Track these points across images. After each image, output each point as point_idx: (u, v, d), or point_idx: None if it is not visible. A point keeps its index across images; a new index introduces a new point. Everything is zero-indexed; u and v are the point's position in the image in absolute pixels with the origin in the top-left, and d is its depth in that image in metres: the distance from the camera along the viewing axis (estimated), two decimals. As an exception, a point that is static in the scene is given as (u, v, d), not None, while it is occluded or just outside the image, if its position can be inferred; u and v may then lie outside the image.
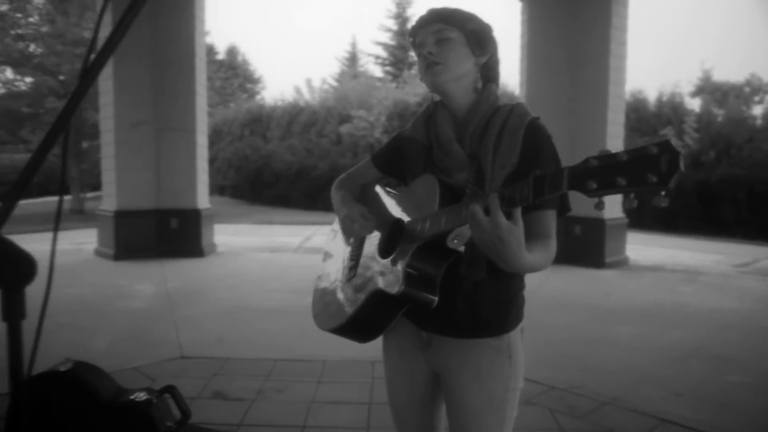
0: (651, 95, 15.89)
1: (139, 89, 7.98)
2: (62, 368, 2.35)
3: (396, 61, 32.30)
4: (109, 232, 7.98)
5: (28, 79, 14.15)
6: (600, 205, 1.05)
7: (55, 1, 14.15)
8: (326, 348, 4.05)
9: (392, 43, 33.17)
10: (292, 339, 4.45)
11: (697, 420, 3.14)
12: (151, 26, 7.96)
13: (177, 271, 7.19)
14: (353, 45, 40.15)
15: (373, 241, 1.60)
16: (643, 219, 12.68)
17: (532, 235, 1.37)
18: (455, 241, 1.34)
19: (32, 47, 13.76)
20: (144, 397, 2.36)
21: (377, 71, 34.03)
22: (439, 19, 1.49)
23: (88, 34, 13.41)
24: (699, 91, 24.49)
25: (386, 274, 1.45)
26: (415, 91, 19.70)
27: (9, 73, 14.75)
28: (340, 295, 1.62)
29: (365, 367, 3.88)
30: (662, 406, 3.33)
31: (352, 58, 39.78)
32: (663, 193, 0.97)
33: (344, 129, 17.93)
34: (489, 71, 1.54)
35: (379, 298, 1.45)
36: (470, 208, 1.20)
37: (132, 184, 8.04)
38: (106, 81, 8.13)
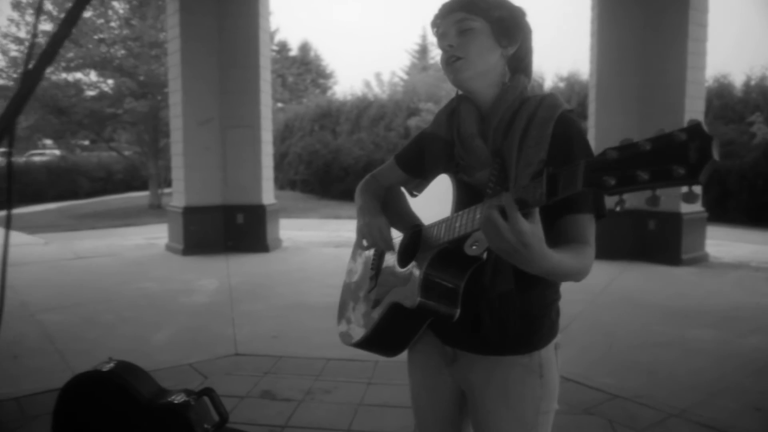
0: (738, 79, 14.90)
1: (205, 88, 8.17)
2: (105, 368, 2.39)
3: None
4: (178, 228, 8.23)
5: (110, 81, 14.82)
6: (621, 204, 0.92)
7: (134, 6, 14.75)
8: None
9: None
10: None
11: (776, 438, 2.86)
12: (218, 26, 8.14)
13: (241, 267, 7.32)
14: (423, 37, 39.86)
15: (392, 254, 1.50)
16: (726, 212, 11.92)
17: (567, 240, 1.24)
18: (474, 247, 1.22)
19: (113, 50, 14.39)
20: (182, 399, 2.37)
21: (447, 63, 33.62)
22: (462, 7, 1.35)
23: (163, 36, 13.94)
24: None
25: (404, 285, 1.35)
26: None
27: (93, 76, 15.53)
28: (361, 308, 1.53)
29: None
30: (737, 422, 3.06)
31: (423, 50, 39.60)
32: (693, 188, 0.82)
33: (412, 122, 17.82)
34: (518, 62, 1.40)
35: (397, 311, 1.36)
36: (485, 213, 1.07)
37: (199, 181, 8.26)
38: (174, 80, 8.38)
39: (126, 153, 17.86)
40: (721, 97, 14.18)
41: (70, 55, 13.98)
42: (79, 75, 14.95)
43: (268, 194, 8.69)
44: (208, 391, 2.45)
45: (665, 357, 4.08)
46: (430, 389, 1.53)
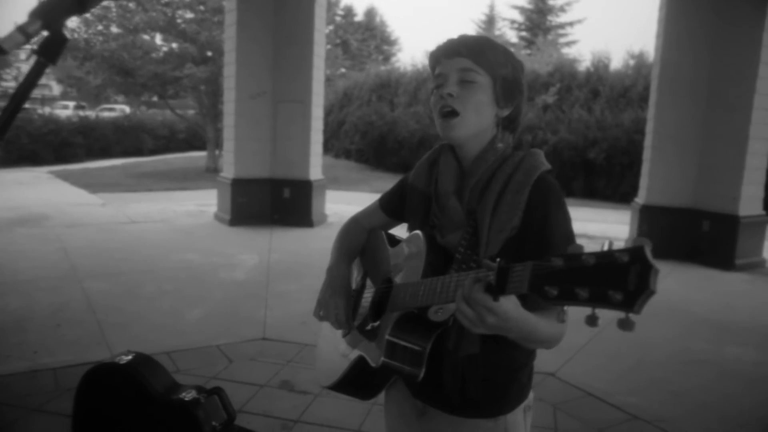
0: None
1: (259, 62, 8.25)
2: (122, 361, 2.50)
3: (532, 26, 30.91)
4: (227, 199, 8.43)
5: (174, 45, 15.13)
6: (561, 317, 0.88)
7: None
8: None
9: (530, 6, 31.66)
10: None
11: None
12: (275, 1, 8.16)
13: (283, 242, 7.46)
14: (491, 7, 38.89)
15: (368, 297, 1.49)
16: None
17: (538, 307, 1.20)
18: (438, 313, 1.21)
19: (178, 14, 14.67)
20: (193, 397, 2.45)
21: (513, 36, 32.79)
22: (470, 54, 1.29)
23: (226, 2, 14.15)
24: None
25: (371, 340, 1.35)
26: (548, 59, 18.77)
27: (158, 39, 15.89)
28: (335, 352, 1.54)
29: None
30: (759, 458, 2.95)
31: (489, 21, 38.61)
32: (627, 315, 0.78)
33: (469, 98, 17.50)
34: (509, 122, 1.35)
35: (363, 365, 1.36)
36: (476, 302, 0.99)
37: (249, 154, 8.40)
38: (230, 53, 8.49)
39: (190, 112, 18.27)
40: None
41: (137, 19, 14.32)
42: (146, 37, 15.34)
43: (315, 170, 8.77)
44: (218, 390, 2.53)
45: (697, 377, 3.94)
46: (404, 432, 1.53)
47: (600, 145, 14.26)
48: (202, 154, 18.17)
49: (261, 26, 8.17)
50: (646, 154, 7.90)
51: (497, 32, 35.34)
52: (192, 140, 23.24)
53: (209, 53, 14.26)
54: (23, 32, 0.72)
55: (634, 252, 0.78)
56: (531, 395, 1.41)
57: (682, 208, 7.41)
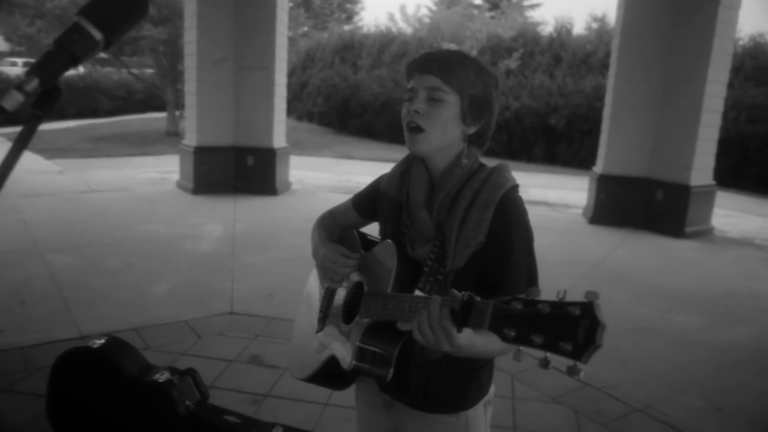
0: (775, 39, 14.27)
1: (220, 28, 8.08)
2: (95, 345, 2.55)
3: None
4: (189, 167, 8.35)
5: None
6: (518, 355, 0.98)
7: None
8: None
9: (495, -34, 31.34)
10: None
11: (730, 444, 3.00)
12: (235, -37, 7.97)
13: (248, 211, 7.46)
14: (455, -34, 38.28)
15: (340, 297, 1.58)
16: (744, 179, 11.77)
17: None
18: (406, 324, 1.31)
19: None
20: (166, 378, 2.53)
21: (477, -4, 32.50)
22: (440, 73, 1.33)
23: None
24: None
25: (343, 342, 1.44)
26: (511, 24, 18.77)
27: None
28: (309, 348, 1.63)
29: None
30: (697, 422, 3.20)
31: (453, -19, 38.11)
32: (575, 363, 0.88)
33: (433, 62, 17.46)
34: (477, 138, 1.41)
35: (334, 364, 1.45)
36: (440, 329, 1.09)
37: (211, 121, 8.30)
38: (190, 18, 8.29)
39: (147, 71, 17.74)
40: (754, 58, 13.67)
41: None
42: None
43: (279, 137, 8.73)
44: (190, 371, 2.61)
45: (645, 345, 4.19)
46: (373, 424, 1.64)
47: (561, 111, 14.49)
48: (161, 115, 17.74)
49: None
50: (605, 125, 8.09)
51: (462, -8, 34.99)
52: (150, 101, 22.61)
53: (166, 13, 13.83)
54: (22, 91, 0.77)
55: (584, 307, 0.87)
56: (491, 390, 1.52)
57: (637, 178, 7.67)
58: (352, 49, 21.34)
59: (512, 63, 16.21)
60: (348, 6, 42.63)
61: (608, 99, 8.13)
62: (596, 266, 5.92)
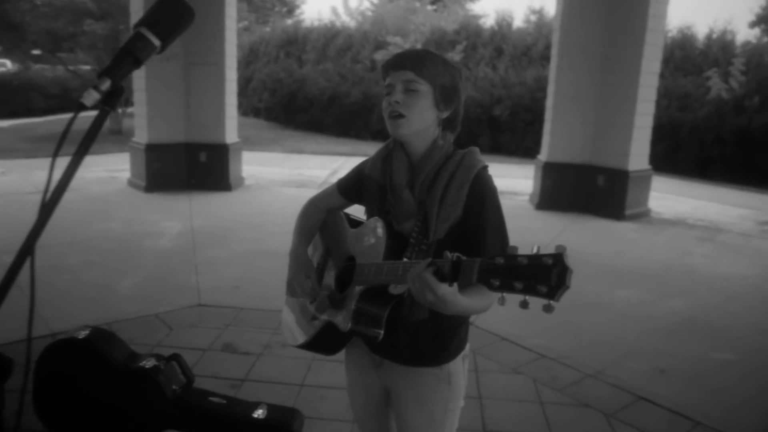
0: (701, 31, 15.17)
1: (168, 23, 8.02)
2: (80, 335, 2.62)
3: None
4: (141, 165, 8.27)
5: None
6: (502, 301, 1.18)
7: None
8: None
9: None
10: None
11: (672, 400, 3.31)
12: (181, -43, 7.91)
13: (203, 207, 7.49)
14: (396, -41, 38.48)
15: (332, 270, 1.75)
16: (677, 164, 12.45)
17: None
18: (397, 288, 1.50)
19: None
20: (153, 364, 2.63)
21: (419, -11, 32.81)
22: (413, 67, 1.53)
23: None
24: (759, 21, 23.22)
25: (338, 308, 1.62)
26: (454, 17, 19.14)
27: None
28: (303, 317, 1.79)
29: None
30: (642, 383, 3.51)
31: (395, -26, 38.32)
32: (551, 302, 1.09)
33: (379, 56, 17.63)
34: (450, 123, 1.61)
35: (331, 329, 1.63)
36: (417, 277, 1.28)
37: (162, 118, 8.25)
38: (137, 13, 8.18)
39: (83, 68, 17.22)
40: (683, 49, 14.45)
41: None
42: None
43: (231, 133, 8.74)
44: (176, 357, 2.72)
45: (593, 318, 4.51)
46: (362, 385, 1.83)
47: (504, 102, 14.93)
48: (102, 113, 17.24)
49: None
50: (548, 114, 8.47)
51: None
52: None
53: (106, 8, 13.51)
54: (98, 90, 0.92)
55: (555, 257, 1.08)
56: (467, 346, 1.73)
57: (579, 165, 8.07)
58: (297, 43, 21.30)
59: (456, 56, 16.55)
60: (289, -1, 42.29)
61: (550, 90, 8.51)
62: (545, 248, 6.21)
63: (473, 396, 3.27)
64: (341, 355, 3.65)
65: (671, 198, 9.57)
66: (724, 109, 12.40)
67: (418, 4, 24.01)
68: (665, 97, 12.20)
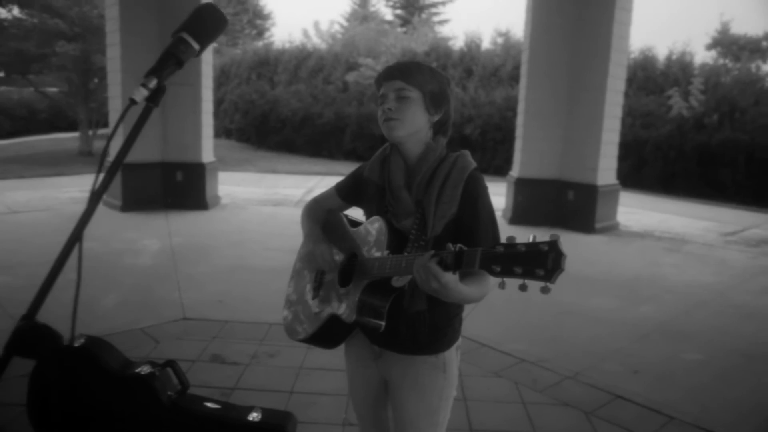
0: (661, 53, 15.76)
1: (145, 43, 8.06)
2: (76, 343, 2.66)
3: (407, 5, 31.68)
4: (116, 184, 8.23)
5: (35, 20, 14.12)
6: (502, 285, 1.30)
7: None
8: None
9: (404, -16, 32.39)
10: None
11: (646, 397, 3.47)
12: (157, -21, 8.03)
13: (181, 226, 7.51)
14: (364, -17, 39.11)
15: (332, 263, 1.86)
16: (642, 180, 12.86)
17: (471, 274, 1.62)
18: (399, 280, 1.62)
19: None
20: (148, 371, 2.68)
21: (388, 14, 33.43)
22: (402, 77, 1.68)
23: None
24: (715, 44, 24.15)
25: (342, 302, 1.72)
26: (424, 38, 19.54)
27: (16, 12, 14.73)
28: (306, 311, 1.90)
29: (352, 334, 4.23)
30: (619, 383, 3.66)
31: (364, -1, 38.94)
32: (548, 284, 1.22)
33: (350, 77, 17.89)
34: (440, 126, 1.76)
35: (335, 321, 1.74)
36: (423, 267, 1.40)
37: (139, 138, 8.16)
38: (113, 33, 8.25)
39: (51, 89, 17.08)
40: (644, 69, 15.00)
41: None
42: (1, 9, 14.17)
43: (207, 152, 8.80)
44: (170, 363, 2.78)
45: (569, 324, 4.68)
46: (362, 376, 1.93)
47: (475, 121, 15.26)
48: (70, 135, 17.14)
49: (145, 5, 8.02)
50: (519, 132, 8.73)
51: (372, 8, 35.84)
52: (55, 120, 21.72)
53: (78, 30, 13.48)
54: (146, 87, 1.03)
55: (551, 244, 1.21)
56: (460, 338, 1.86)
57: (550, 180, 8.33)
58: (268, 64, 21.46)
59: (427, 77, 16.88)
60: (258, 22, 42.53)
61: (520, 108, 8.78)
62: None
63: (458, 398, 3.37)
64: (328, 361, 3.82)
65: (638, 212, 9.89)
66: (685, 126, 12.88)
67: (388, 27, 24.45)
68: (629, 116, 12.63)
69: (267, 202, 9.69)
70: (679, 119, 13.04)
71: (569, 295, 5.34)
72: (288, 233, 7.56)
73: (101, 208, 8.34)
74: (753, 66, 15.71)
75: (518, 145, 8.73)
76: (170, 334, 4.15)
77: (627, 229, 8.54)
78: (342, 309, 1.71)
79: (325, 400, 3.35)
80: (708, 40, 22.49)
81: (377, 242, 1.68)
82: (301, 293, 1.97)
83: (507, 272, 1.26)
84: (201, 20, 1.12)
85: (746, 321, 4.94)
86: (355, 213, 1.97)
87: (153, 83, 1.06)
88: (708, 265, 6.79)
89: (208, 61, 8.62)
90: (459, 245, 1.38)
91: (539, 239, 1.26)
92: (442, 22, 31.91)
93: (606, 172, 8.26)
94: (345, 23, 33.97)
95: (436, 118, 1.73)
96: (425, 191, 1.68)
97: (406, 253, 1.63)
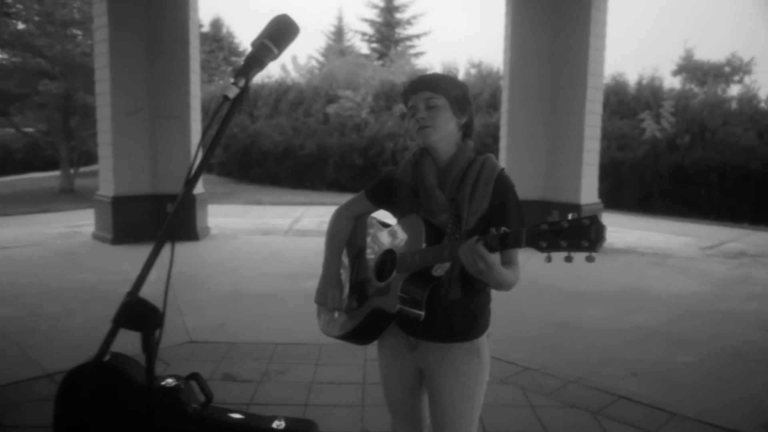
0: (632, 78, 16.34)
1: (134, 77, 8.23)
2: (103, 359, 2.72)
3: (383, 38, 32.35)
4: (107, 217, 8.29)
5: (15, 59, 14.19)
6: (548, 259, 1.45)
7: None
8: (322, 333, 4.49)
9: (379, 20, 33.10)
10: (290, 323, 4.86)
11: (649, 397, 3.61)
12: (147, 15, 8.21)
13: (175, 256, 7.49)
14: (339, 19, 39.93)
15: (366, 263, 1.99)
16: (620, 200, 13.21)
17: (505, 263, 1.76)
18: (438, 270, 1.76)
19: (21, 26, 13.81)
20: (173, 383, 2.75)
21: (364, 48, 34.04)
22: (428, 87, 1.85)
23: (77, 16, 13.58)
24: (680, 70, 25.01)
25: (383, 295, 1.85)
26: (401, 70, 19.95)
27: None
28: (344, 311, 2.01)
29: (358, 350, 4.30)
30: (620, 385, 3.80)
31: (339, 33, 39.63)
32: (592, 253, 1.37)
33: (331, 109, 18.16)
34: (467, 128, 1.92)
35: (377, 314, 1.85)
36: (475, 250, 1.55)
37: (129, 171, 8.34)
38: (102, 69, 8.36)
39: (27, 129, 17.03)
40: (617, 94, 15.51)
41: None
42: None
43: (197, 184, 8.85)
44: (194, 376, 2.84)
45: (566, 334, 4.82)
46: (397, 368, 2.04)
47: (455, 149, 15.55)
48: (48, 174, 17.06)
49: (134, 41, 8.18)
50: (502, 155, 8.98)
51: (347, 43, 36.46)
52: (32, 160, 21.64)
53: (60, 68, 13.57)
54: (237, 86, 1.18)
55: (592, 218, 1.36)
56: (490, 326, 1.99)
57: (534, 200, 8.51)
58: (248, 99, 21.45)
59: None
60: (233, 59, 42.96)
61: (503, 132, 9.05)
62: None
63: (469, 404, 3.48)
64: (339, 376, 3.96)
65: (619, 230, 10.16)
66: (659, 147, 13.33)
67: (365, 60, 24.92)
68: (605, 139, 13.02)
69: (256, 231, 9.76)
70: (652, 141, 13.49)
71: (563, 308, 5.51)
72: (280, 260, 7.71)
73: (91, 242, 8.37)
74: (719, 89, 16.33)
75: (502, 167, 8.95)
76: (179, 356, 4.19)
77: (611, 246, 8.76)
78: (384, 301, 1.83)
79: (340, 411, 3.42)
80: (674, 67, 23.33)
81: (415, 237, 1.81)
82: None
83: (553, 246, 1.40)
84: (279, 28, 1.27)
85: (734, 325, 5.14)
86: (380, 215, 2.11)
87: (242, 82, 1.20)
88: (692, 276, 7.02)
89: (196, 93, 8.77)
90: (503, 228, 1.52)
91: (579, 216, 1.40)
92: (417, 55, 32.59)
93: (588, 191, 8.52)
94: (321, 58, 34.50)
95: (463, 120, 1.89)
96: (458, 189, 1.83)
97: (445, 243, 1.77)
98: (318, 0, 71.19)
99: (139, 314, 1.27)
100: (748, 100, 14.23)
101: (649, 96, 15.08)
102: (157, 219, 8.48)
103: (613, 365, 4.17)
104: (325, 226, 2.15)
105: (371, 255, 2.01)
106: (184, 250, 7.97)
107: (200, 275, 6.60)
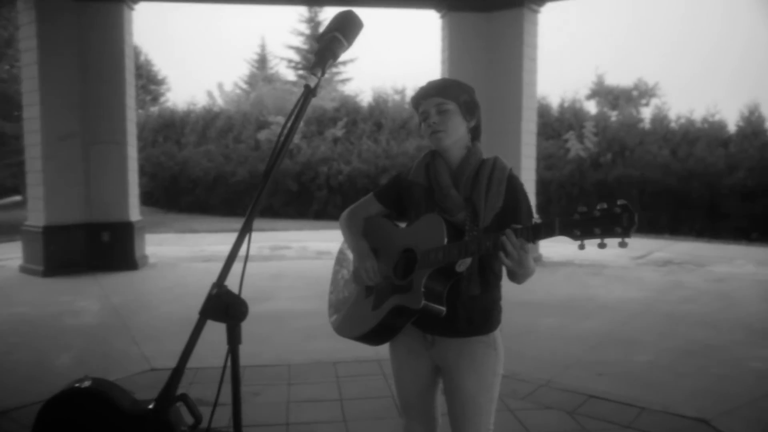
0: (554, 101, 17.16)
1: (66, 102, 7.90)
2: (84, 384, 2.58)
3: (308, 65, 32.46)
4: (37, 248, 7.84)
5: None
6: (582, 246, 1.53)
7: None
8: (288, 353, 4.43)
9: (305, 47, 33.27)
10: (252, 346, 4.72)
11: (616, 394, 3.77)
12: (79, 39, 7.93)
13: (115, 286, 7.22)
14: (262, 47, 39.78)
15: (381, 263, 2.00)
16: (550, 216, 13.74)
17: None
18: (461, 265, 1.80)
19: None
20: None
21: (290, 74, 34.06)
22: (438, 93, 1.92)
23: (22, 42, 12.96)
24: (594, 95, 26.50)
25: (405, 293, 1.87)
26: (330, 96, 20.10)
27: None
28: (360, 309, 2.01)
29: (328, 368, 4.28)
30: (588, 385, 3.95)
31: (262, 60, 39.49)
32: (625, 239, 1.45)
33: (262, 135, 18.03)
34: (475, 131, 2.00)
35: (398, 311, 1.87)
36: (513, 241, 1.62)
37: (61, 199, 7.95)
38: (31, 93, 7.98)
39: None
40: (541, 116, 16.17)
41: None
42: None
43: (134, 210, 8.57)
44: (183, 397, 2.73)
45: (528, 342, 4.96)
46: (413, 367, 2.06)
47: (389, 171, 15.76)
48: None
49: (65, 64, 7.86)
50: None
51: (270, 71, 36.37)
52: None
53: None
54: (315, 75, 1.21)
55: (623, 206, 1.45)
56: (501, 320, 2.06)
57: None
58: (174, 126, 21.18)
59: (338, 131, 17.38)
60: (153, 87, 41.86)
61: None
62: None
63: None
64: (315, 393, 3.97)
65: (555, 245, 10.51)
66: (583, 166, 14.04)
67: (292, 86, 24.95)
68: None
69: (196, 258, 9.49)
70: (577, 160, 14.19)
71: (521, 318, 5.65)
72: (228, 285, 7.46)
73: (20, 276, 7.89)
74: (634, 111, 17.43)
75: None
76: (142, 385, 4.00)
77: (549, 260, 9.11)
78: (406, 299, 1.85)
79: (324, 428, 3.38)
80: (587, 91, 24.73)
81: (436, 235, 1.85)
82: (350, 293, 2.09)
83: (587, 233, 1.48)
84: (348, 22, 1.34)
85: (678, 325, 5.46)
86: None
87: (319, 74, 1.24)
88: (629, 283, 7.40)
89: (131, 118, 8.49)
90: (535, 219, 1.59)
91: (609, 206, 1.49)
92: (344, 81, 32.90)
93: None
94: (244, 86, 34.20)
95: (473, 123, 1.97)
96: (472, 189, 1.90)
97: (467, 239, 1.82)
98: (239, 28, 70.86)
99: (226, 306, 1.25)
100: (660, 120, 15.25)
101: (571, 118, 15.88)
102: (91, 248, 8.10)
103: (578, 368, 4.32)
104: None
105: (384, 255, 2.03)
106: (124, 279, 7.66)
107: (148, 304, 6.36)
